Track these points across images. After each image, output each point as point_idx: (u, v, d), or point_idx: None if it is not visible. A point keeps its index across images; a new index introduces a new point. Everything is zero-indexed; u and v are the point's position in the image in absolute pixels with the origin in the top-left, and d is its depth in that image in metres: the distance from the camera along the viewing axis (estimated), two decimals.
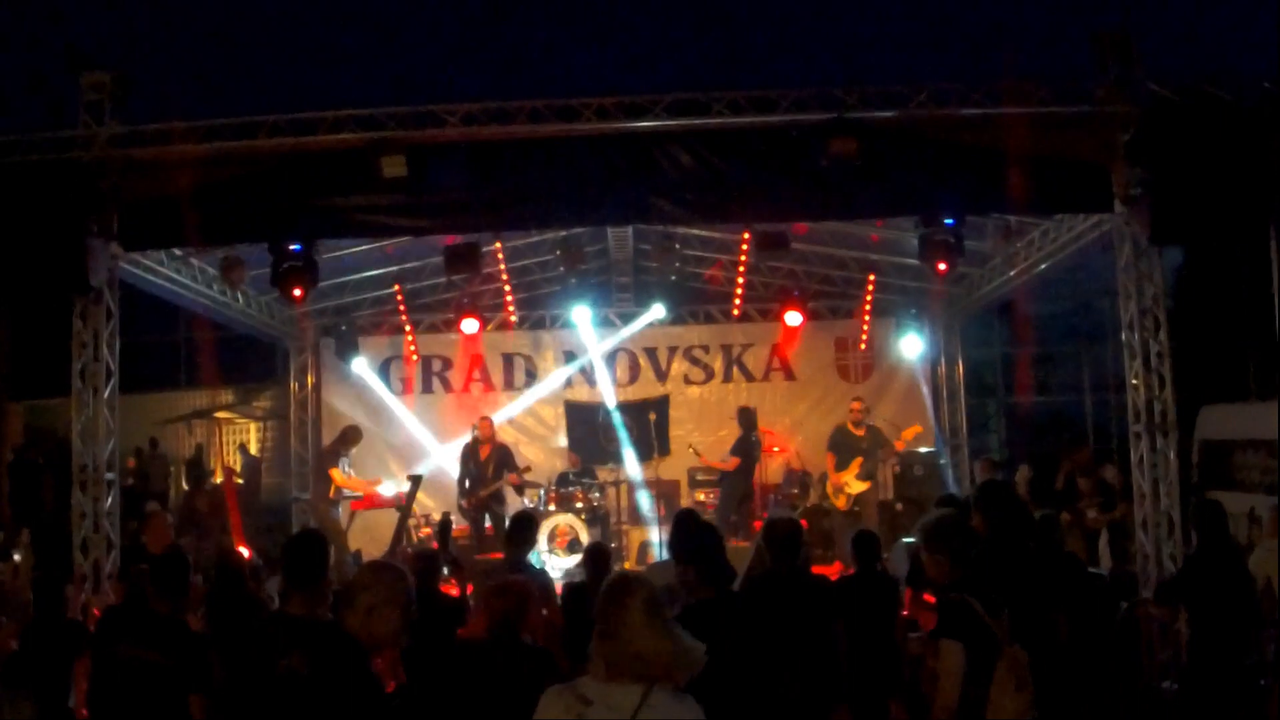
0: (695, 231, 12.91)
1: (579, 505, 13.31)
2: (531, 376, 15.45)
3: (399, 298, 14.15)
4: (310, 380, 15.23)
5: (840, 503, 12.92)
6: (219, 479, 15.50)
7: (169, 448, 19.46)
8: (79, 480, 9.20)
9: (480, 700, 4.73)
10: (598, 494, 13.59)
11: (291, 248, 9.78)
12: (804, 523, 8.27)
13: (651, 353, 15.40)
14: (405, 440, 14.94)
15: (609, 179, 9.00)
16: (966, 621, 4.19)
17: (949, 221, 9.80)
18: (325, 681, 3.61)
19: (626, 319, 15.21)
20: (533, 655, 4.90)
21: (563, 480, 13.82)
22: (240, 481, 18.60)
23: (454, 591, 8.63)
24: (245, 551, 10.03)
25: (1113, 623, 8.15)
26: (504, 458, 13.05)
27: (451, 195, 9.14)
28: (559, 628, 6.56)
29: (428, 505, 13.78)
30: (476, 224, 10.07)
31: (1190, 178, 8.31)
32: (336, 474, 12.58)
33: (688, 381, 15.44)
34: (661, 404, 15.21)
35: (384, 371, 15.16)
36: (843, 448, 12.99)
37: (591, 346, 15.06)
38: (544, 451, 15.03)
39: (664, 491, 14.13)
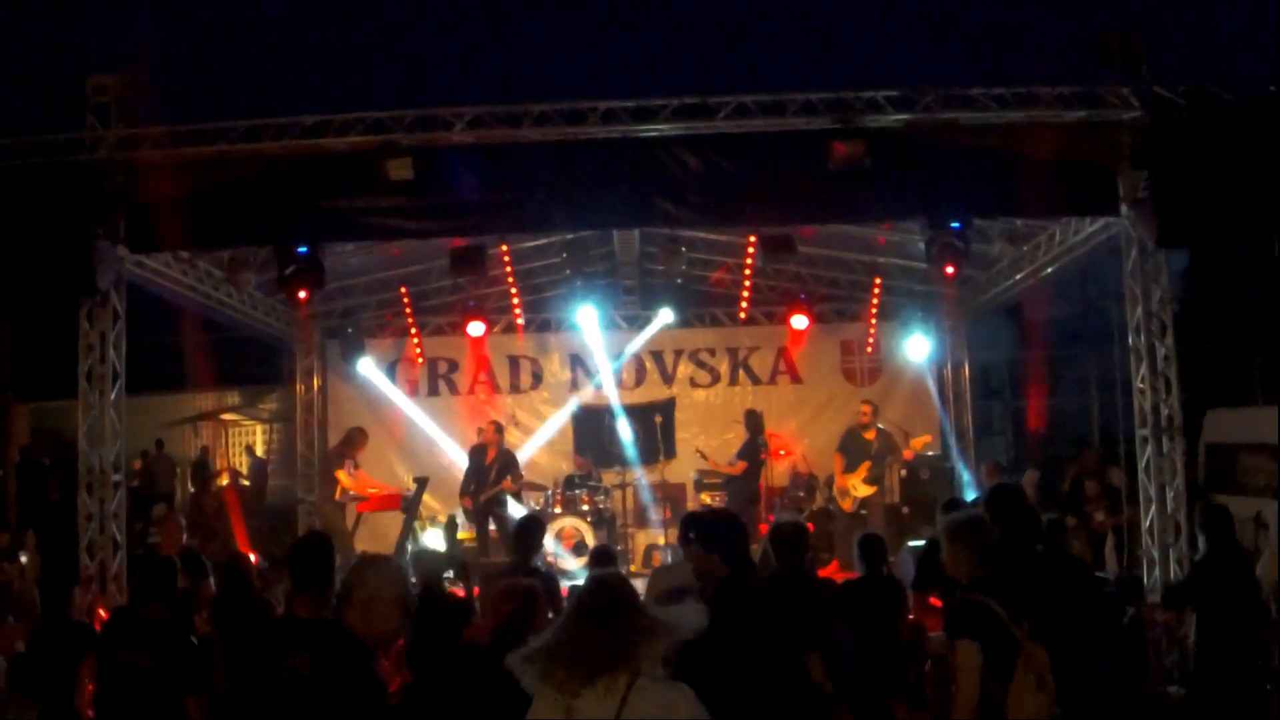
0: (701, 234, 12.90)
1: (585, 508, 13.31)
2: (537, 379, 15.43)
3: (405, 300, 14.16)
4: (316, 382, 15.21)
5: (846, 505, 12.90)
6: (224, 481, 15.54)
7: (175, 449, 19.50)
8: (85, 482, 9.23)
9: (486, 702, 4.73)
10: (604, 497, 13.58)
11: (297, 250, 9.79)
12: (810, 526, 8.27)
13: (658, 355, 15.36)
14: (411, 442, 14.93)
15: (615, 182, 9.00)
16: (983, 622, 4.20)
17: (955, 225, 9.80)
18: (328, 682, 3.62)
19: (632, 322, 15.20)
20: None
21: (569, 483, 13.82)
22: (246, 483, 18.66)
23: (459, 593, 8.63)
24: (251, 557, 10.04)
25: (1119, 627, 8.14)
26: (507, 463, 13.05)
27: (458, 198, 9.13)
28: None
29: (433, 507, 13.78)
30: (482, 227, 10.07)
31: (1196, 181, 8.30)
32: (342, 476, 12.59)
33: (694, 384, 15.40)
34: (668, 407, 15.20)
35: (390, 374, 15.15)
36: (852, 450, 12.97)
37: (597, 349, 15.04)
38: (550, 454, 15.00)
39: (670, 494, 14.13)
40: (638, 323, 15.16)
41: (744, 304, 14.55)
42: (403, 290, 13.97)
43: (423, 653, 6.33)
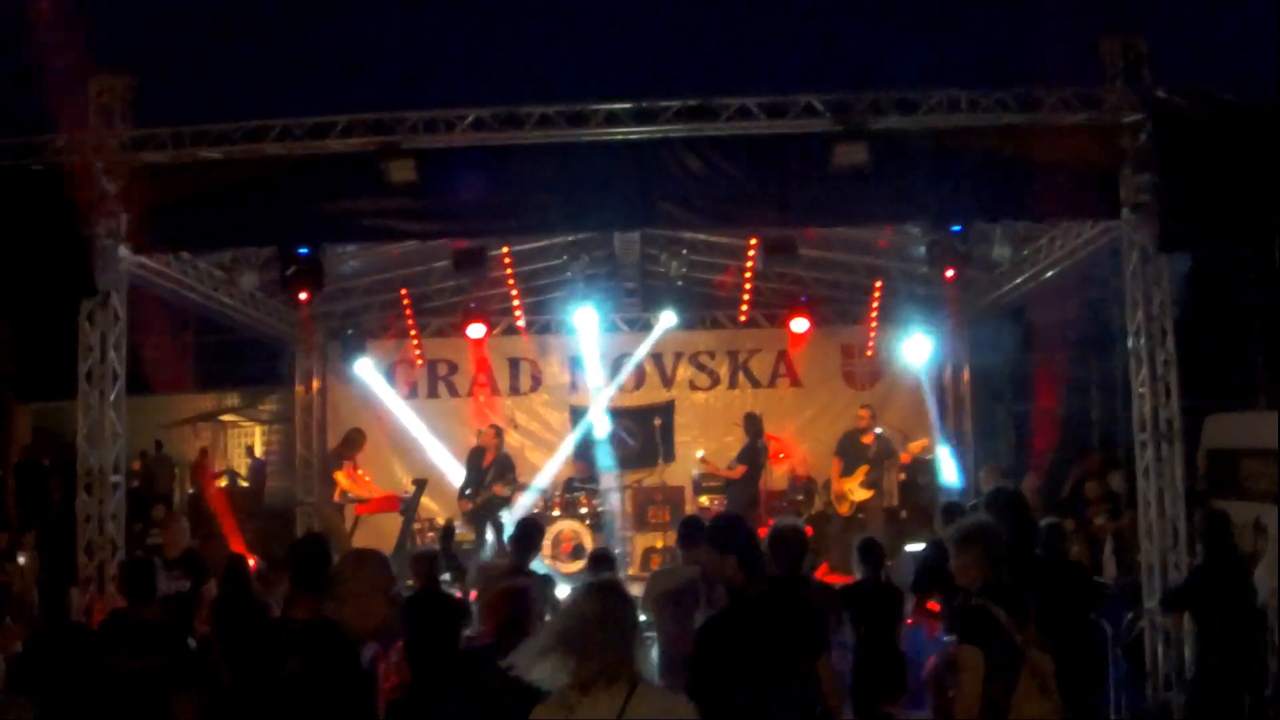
0: (703, 237, 12.89)
1: (584, 511, 13.30)
2: (537, 382, 15.41)
3: (405, 301, 14.15)
4: (316, 384, 15.19)
5: (843, 509, 12.90)
6: (222, 483, 15.54)
7: (174, 450, 19.49)
8: (84, 483, 9.20)
9: (483, 703, 4.73)
10: (602, 500, 13.56)
11: (299, 251, 9.79)
12: (809, 530, 8.26)
13: (657, 358, 15.31)
14: (410, 444, 14.90)
15: (617, 183, 8.97)
16: (985, 627, 4.20)
17: (956, 228, 9.78)
18: (314, 679, 3.62)
19: (632, 324, 15.18)
20: None
21: (568, 486, 13.80)
22: (245, 484, 18.67)
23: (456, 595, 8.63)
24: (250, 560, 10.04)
25: (1117, 632, 8.14)
26: (502, 468, 13.03)
27: (460, 200, 9.12)
28: None
29: (432, 509, 13.77)
30: (484, 228, 10.07)
31: (1198, 184, 8.28)
32: (341, 478, 12.58)
33: (693, 387, 15.37)
34: (667, 409, 15.17)
35: (390, 375, 15.14)
36: (850, 454, 12.97)
37: (597, 350, 15.00)
38: (549, 457, 14.96)
39: (669, 497, 14.11)
40: (638, 325, 15.14)
41: (744, 306, 14.53)
42: (403, 292, 13.95)
43: (422, 653, 6.34)
